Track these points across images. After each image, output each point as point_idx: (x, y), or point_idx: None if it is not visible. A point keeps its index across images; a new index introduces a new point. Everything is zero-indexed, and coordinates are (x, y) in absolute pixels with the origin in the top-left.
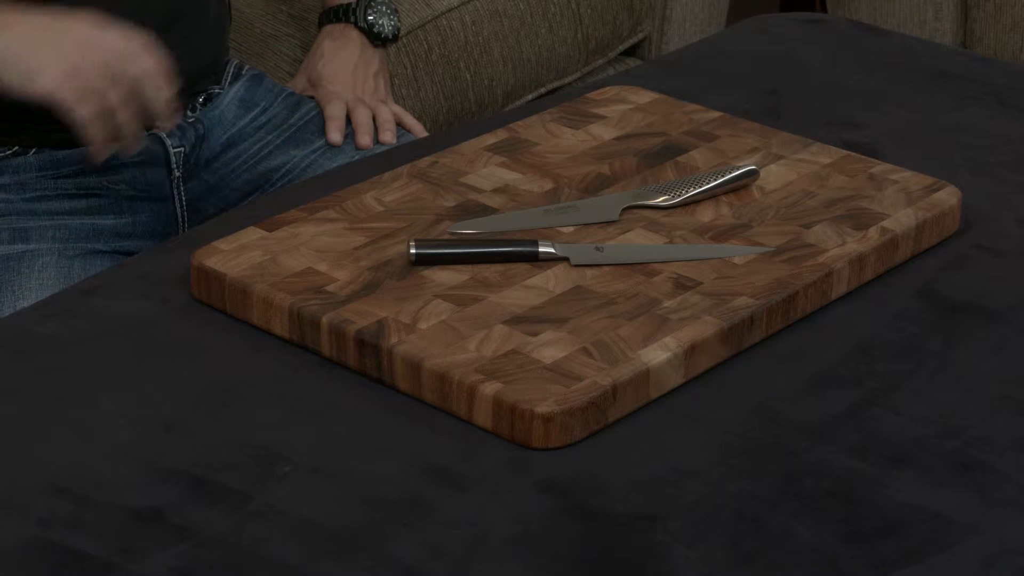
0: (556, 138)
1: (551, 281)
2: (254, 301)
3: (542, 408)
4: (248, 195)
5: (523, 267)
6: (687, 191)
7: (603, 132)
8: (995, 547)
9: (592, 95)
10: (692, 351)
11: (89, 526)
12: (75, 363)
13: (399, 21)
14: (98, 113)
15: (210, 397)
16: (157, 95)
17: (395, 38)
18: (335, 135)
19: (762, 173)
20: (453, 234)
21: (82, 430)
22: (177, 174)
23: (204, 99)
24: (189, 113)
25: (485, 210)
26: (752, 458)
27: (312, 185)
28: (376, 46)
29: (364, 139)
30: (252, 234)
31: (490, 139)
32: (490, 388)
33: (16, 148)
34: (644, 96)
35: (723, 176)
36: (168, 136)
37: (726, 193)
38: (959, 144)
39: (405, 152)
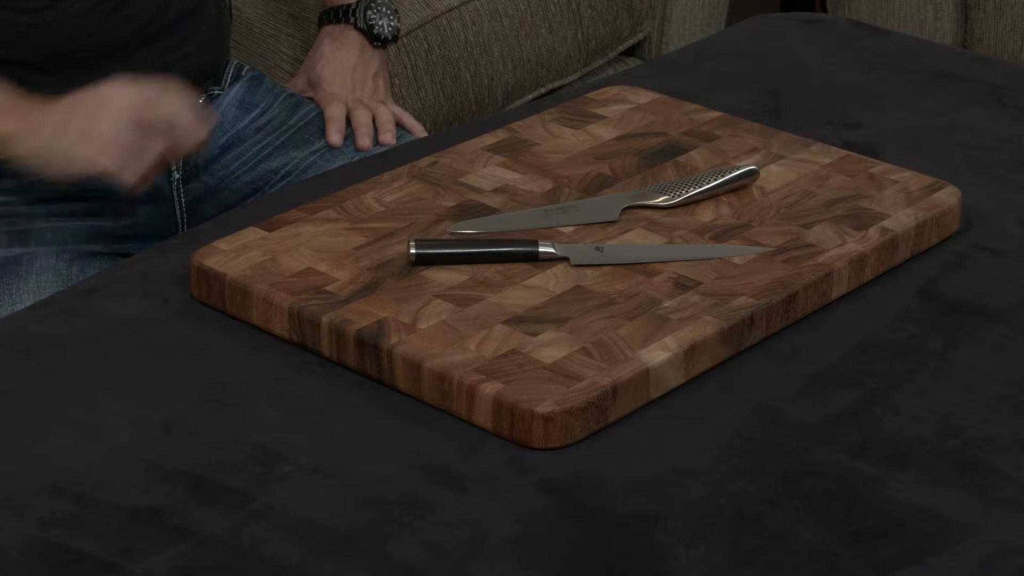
0: (556, 138)
1: (551, 281)
2: (254, 301)
3: (542, 408)
4: (248, 196)
5: (523, 267)
6: (687, 191)
7: (603, 132)
8: (995, 547)
9: (592, 95)
10: (692, 351)
11: (89, 526)
12: (75, 363)
13: (399, 22)
14: (142, 172)
15: (210, 397)
16: (188, 137)
17: (395, 39)
18: (335, 136)
19: (762, 173)
20: (453, 234)
21: (82, 430)
22: (177, 176)
23: (204, 100)
24: None
25: (485, 210)
26: (752, 458)
27: (312, 185)
28: (376, 47)
29: (364, 140)
30: (252, 234)
31: (490, 139)
32: (490, 388)
33: None
34: (644, 96)
35: (723, 176)
36: None
37: (726, 193)
38: (959, 144)
39: (405, 152)
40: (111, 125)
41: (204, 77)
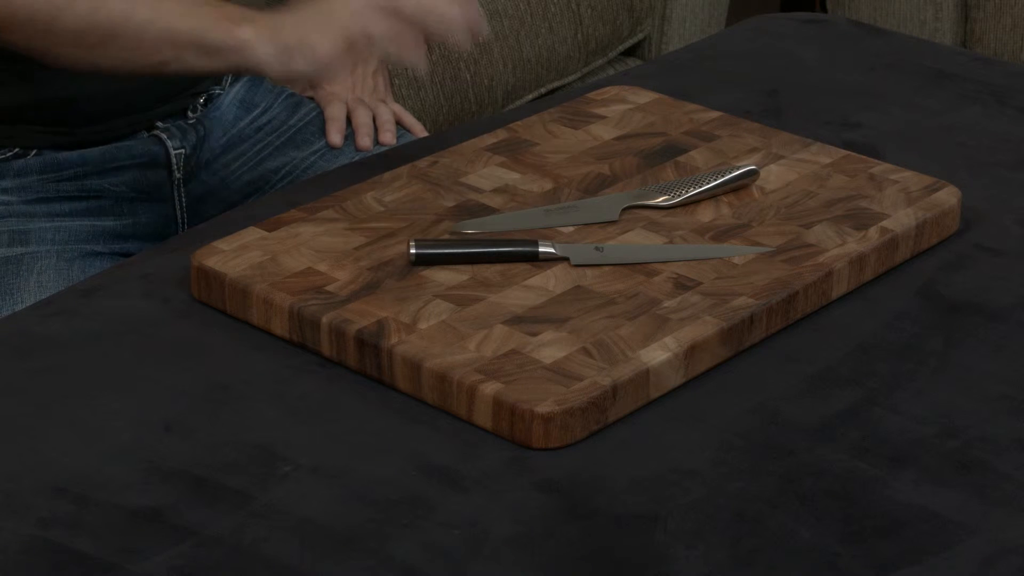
0: (556, 138)
1: (551, 281)
2: (254, 301)
3: (542, 408)
4: (248, 196)
5: (523, 267)
6: (687, 191)
7: (603, 132)
8: (995, 547)
9: (592, 95)
10: (692, 351)
11: (89, 526)
12: (75, 363)
13: None
14: (390, 35)
15: (210, 397)
16: (447, 27)
17: None
18: (335, 136)
19: (762, 173)
20: (453, 234)
21: (82, 430)
22: (178, 176)
23: (205, 100)
24: (190, 114)
25: (485, 210)
26: (752, 458)
27: (312, 185)
28: None
29: (364, 140)
30: (252, 234)
31: (490, 139)
32: (490, 388)
33: (17, 150)
34: (644, 96)
35: (723, 176)
36: (169, 137)
37: (726, 193)
38: (959, 144)
39: (405, 152)
40: (350, 13)
41: (205, 77)
